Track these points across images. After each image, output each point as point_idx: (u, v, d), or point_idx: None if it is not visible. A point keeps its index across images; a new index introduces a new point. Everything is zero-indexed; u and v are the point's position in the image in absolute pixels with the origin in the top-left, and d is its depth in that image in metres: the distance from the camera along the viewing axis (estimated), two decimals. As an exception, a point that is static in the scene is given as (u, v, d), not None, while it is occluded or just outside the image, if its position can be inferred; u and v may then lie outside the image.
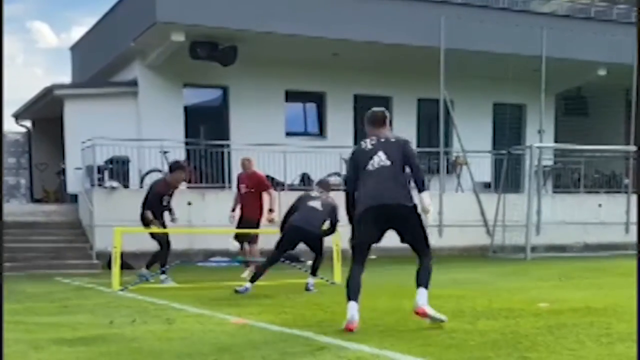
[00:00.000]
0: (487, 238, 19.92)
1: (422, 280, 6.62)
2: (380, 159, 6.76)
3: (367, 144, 6.94)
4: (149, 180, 18.14)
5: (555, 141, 23.47)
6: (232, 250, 13.54)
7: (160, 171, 18.21)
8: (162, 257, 12.12)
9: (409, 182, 6.89)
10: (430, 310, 6.47)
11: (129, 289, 10.60)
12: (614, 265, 15.34)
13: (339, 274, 11.16)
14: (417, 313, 6.48)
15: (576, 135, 22.41)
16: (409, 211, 6.69)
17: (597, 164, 23.66)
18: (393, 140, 6.94)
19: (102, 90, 20.40)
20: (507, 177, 20.18)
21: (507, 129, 24.01)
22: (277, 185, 17.96)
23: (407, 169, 6.83)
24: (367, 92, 22.17)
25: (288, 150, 18.78)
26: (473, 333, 6.04)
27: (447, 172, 21.06)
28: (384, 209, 6.68)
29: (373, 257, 19.26)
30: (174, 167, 12.57)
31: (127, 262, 13.06)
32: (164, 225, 12.36)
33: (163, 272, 11.80)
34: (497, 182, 21.03)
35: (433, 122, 21.28)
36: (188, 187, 18.16)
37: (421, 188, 6.86)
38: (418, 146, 22.27)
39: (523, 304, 7.94)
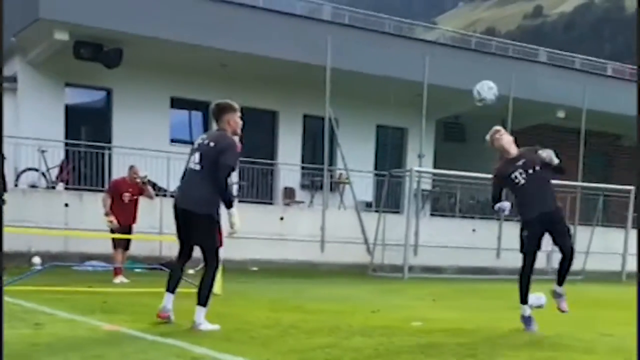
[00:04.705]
0: (367, 256, 20.28)
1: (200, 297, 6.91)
2: (194, 160, 6.88)
3: (197, 142, 7.05)
4: (25, 179, 17.64)
5: (434, 165, 24.14)
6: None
7: (37, 170, 17.70)
8: None
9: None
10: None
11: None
12: (485, 288, 15.91)
13: (220, 284, 11.05)
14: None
15: (454, 161, 23.14)
16: (201, 219, 6.77)
17: (472, 190, 24.48)
18: (212, 144, 6.83)
19: (-21, 84, 19.56)
20: (387, 197, 20.60)
21: (389, 151, 24.59)
22: (160, 191, 17.72)
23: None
24: (254, 104, 22.12)
25: (172, 157, 18.54)
26: (348, 349, 6.09)
27: (331, 189, 21.32)
28: (182, 213, 6.91)
29: (254, 268, 19.23)
30: None
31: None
32: None
33: None
34: (378, 202, 21.45)
35: (318, 138, 21.53)
36: (66, 188, 17.70)
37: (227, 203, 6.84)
38: (303, 161, 22.53)
39: (398, 322, 8.09)
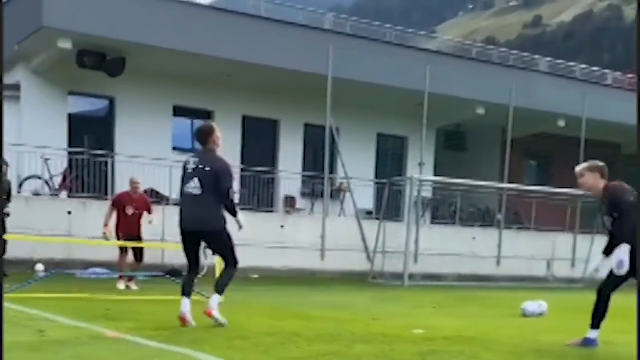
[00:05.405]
0: (367, 263, 20.31)
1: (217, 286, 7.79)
2: (194, 185, 7.69)
3: (190, 164, 7.80)
4: (27, 186, 17.69)
5: (435, 174, 24.18)
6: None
7: (40, 177, 17.75)
8: None
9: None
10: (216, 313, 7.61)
11: (0, 298, 10.17)
12: (484, 296, 15.94)
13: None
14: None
15: (454, 170, 23.20)
16: (215, 233, 7.75)
17: (472, 198, 24.53)
18: (208, 169, 7.66)
19: (-20, 91, 19.58)
20: (387, 205, 20.64)
21: (389, 159, 24.65)
22: (162, 199, 17.79)
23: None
24: (256, 113, 22.31)
25: (174, 165, 18.59)
26: (350, 356, 6.12)
27: (331, 197, 21.38)
28: (190, 233, 7.78)
29: (255, 276, 19.28)
30: None
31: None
32: (1, 225, 12.42)
33: None
34: (378, 209, 21.49)
35: (318, 147, 21.59)
36: (69, 196, 17.75)
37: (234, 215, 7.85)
38: (303, 170, 22.59)
39: (398, 330, 8.13)
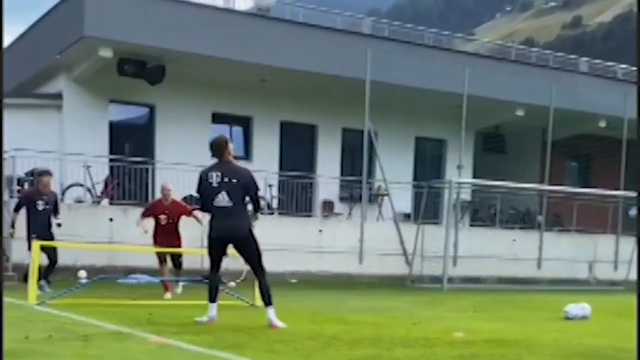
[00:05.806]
0: (406, 267, 20.23)
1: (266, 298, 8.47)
2: (224, 198, 8.23)
3: (214, 179, 8.28)
4: (70, 194, 17.93)
5: (474, 176, 24.01)
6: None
7: (82, 185, 17.98)
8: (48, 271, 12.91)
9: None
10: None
11: (46, 304, 10.38)
12: (525, 299, 15.82)
13: (259, 296, 11.17)
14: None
15: (493, 172, 23.03)
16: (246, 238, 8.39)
17: (512, 200, 24.33)
18: (235, 181, 8.26)
19: (25, 101, 19.91)
20: (426, 209, 20.56)
21: (428, 162, 24.55)
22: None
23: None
24: (294, 119, 22.40)
25: (213, 172, 18.75)
26: (391, 360, 6.16)
27: (369, 201, 21.36)
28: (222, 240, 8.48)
29: (294, 280, 19.32)
30: (41, 172, 13.47)
31: (47, 278, 12.98)
32: (50, 235, 12.94)
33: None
34: (416, 213, 21.43)
35: (357, 151, 21.60)
36: (110, 203, 17.97)
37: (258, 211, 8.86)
38: (341, 174, 22.61)
39: (439, 333, 8.11)
